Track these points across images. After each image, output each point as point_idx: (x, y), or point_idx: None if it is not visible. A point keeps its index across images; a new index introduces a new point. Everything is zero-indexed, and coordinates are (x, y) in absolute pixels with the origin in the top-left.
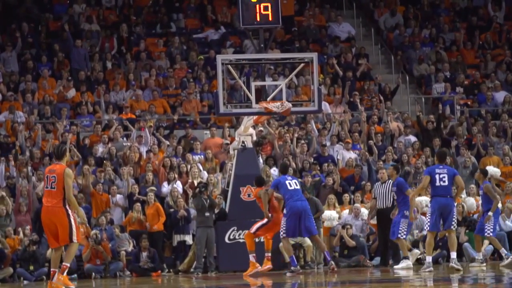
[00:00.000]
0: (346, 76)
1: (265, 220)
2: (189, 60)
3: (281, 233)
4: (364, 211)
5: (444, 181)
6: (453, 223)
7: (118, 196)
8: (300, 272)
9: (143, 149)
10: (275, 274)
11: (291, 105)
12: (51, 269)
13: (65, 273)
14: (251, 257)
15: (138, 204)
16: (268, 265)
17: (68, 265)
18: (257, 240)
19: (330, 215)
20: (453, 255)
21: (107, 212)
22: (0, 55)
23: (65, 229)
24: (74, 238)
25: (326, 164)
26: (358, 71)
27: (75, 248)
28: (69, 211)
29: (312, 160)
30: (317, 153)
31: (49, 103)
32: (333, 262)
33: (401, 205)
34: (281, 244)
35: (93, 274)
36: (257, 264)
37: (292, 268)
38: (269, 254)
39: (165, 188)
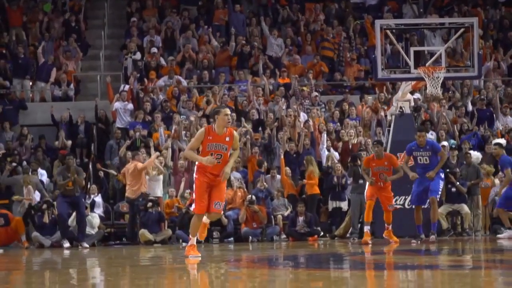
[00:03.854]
0: (506, 41)
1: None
2: (346, 25)
3: (438, 196)
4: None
5: None
6: None
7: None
8: (424, 240)
9: (301, 113)
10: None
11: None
12: None
13: (189, 243)
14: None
15: (287, 168)
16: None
17: (191, 237)
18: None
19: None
20: None
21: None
22: (163, 20)
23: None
24: (193, 206)
25: (483, 129)
26: None
27: (193, 220)
28: (194, 176)
29: (470, 126)
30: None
31: (207, 68)
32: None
33: None
34: (439, 209)
35: (250, 237)
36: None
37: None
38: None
39: (322, 153)
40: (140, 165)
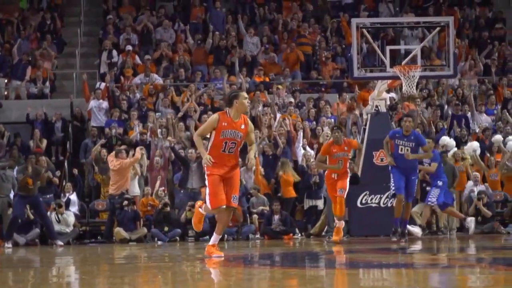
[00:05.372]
0: (481, 40)
1: None
2: (322, 24)
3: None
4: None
5: None
6: None
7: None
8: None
9: (276, 113)
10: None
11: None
12: None
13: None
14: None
15: (261, 168)
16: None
17: (217, 235)
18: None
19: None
20: None
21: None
22: (138, 18)
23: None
24: (207, 203)
25: (458, 130)
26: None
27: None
28: (206, 171)
29: (444, 125)
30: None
31: (183, 66)
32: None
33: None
34: (414, 208)
35: (226, 236)
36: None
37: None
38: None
39: (298, 151)
40: (126, 161)
